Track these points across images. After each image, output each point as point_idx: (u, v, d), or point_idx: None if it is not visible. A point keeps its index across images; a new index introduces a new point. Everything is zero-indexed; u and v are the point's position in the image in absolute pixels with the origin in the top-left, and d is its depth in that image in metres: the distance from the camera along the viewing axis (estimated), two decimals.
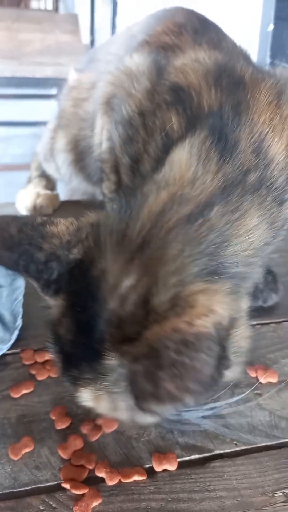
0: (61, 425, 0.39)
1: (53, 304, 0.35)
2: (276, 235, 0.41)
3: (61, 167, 0.74)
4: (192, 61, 0.48)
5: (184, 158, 0.39)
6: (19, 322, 0.47)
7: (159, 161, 0.41)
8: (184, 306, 0.29)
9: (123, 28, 0.72)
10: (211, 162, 0.38)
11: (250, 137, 0.40)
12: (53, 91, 2.75)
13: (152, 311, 0.30)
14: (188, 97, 0.44)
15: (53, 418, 0.39)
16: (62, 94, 0.75)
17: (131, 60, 0.54)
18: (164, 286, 0.31)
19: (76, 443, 0.37)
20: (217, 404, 0.40)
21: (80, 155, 0.68)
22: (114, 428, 0.38)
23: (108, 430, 0.39)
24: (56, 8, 2.91)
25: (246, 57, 0.56)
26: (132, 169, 0.48)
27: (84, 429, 0.38)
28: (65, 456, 0.36)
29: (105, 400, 0.32)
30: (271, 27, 0.78)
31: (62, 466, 0.36)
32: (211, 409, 0.40)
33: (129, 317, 0.31)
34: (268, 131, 0.41)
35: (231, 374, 0.34)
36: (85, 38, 2.60)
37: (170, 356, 0.27)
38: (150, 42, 0.56)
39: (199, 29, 0.56)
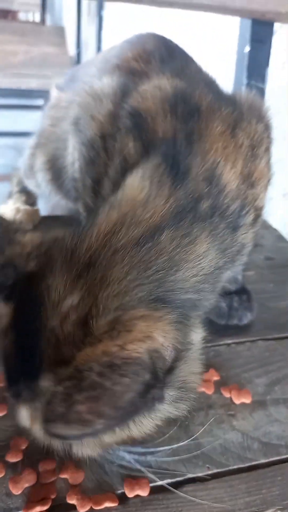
0: (12, 458, 0.37)
1: (4, 312, 0.35)
2: (232, 260, 0.42)
3: (41, 184, 0.74)
4: (153, 88, 0.49)
5: (136, 182, 0.40)
6: None
7: (117, 185, 0.42)
8: (121, 330, 0.29)
9: (107, 46, 0.73)
10: (164, 187, 0.39)
11: (202, 165, 0.41)
12: (38, 102, 2.75)
13: (90, 334, 0.30)
14: (144, 123, 0.45)
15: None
16: (43, 112, 0.76)
17: (99, 82, 0.55)
18: (105, 308, 0.31)
19: (28, 479, 0.36)
20: (154, 449, 0.39)
21: (58, 173, 0.68)
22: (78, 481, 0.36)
23: (66, 477, 0.36)
24: (43, 21, 2.93)
25: (209, 83, 0.56)
26: (93, 190, 0.49)
27: (41, 468, 0.37)
28: (14, 492, 0.35)
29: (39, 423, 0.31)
30: (247, 48, 0.80)
31: (30, 490, 0.35)
32: (147, 453, 0.38)
33: (66, 338, 0.30)
34: (221, 159, 0.42)
35: (171, 409, 0.33)
36: (71, 50, 2.62)
37: (91, 378, 0.26)
38: (120, 66, 0.58)
39: (165, 57, 0.58)
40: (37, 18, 3.53)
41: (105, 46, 2.29)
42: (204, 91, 0.48)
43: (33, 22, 3.55)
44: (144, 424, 0.33)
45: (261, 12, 0.74)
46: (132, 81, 0.52)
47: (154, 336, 0.29)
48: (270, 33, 0.80)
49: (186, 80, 0.50)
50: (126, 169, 0.43)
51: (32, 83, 2.07)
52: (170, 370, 0.32)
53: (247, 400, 0.46)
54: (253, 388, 0.47)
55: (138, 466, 0.36)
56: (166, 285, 0.34)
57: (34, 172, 0.74)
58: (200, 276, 0.37)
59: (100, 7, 2.26)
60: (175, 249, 0.35)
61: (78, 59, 2.64)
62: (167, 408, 0.33)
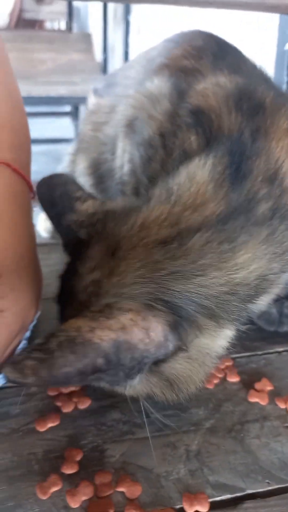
0: (68, 470, 0.37)
1: (65, 260, 0.42)
2: None
3: None
4: (213, 85, 0.48)
5: (201, 181, 0.39)
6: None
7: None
8: (102, 316, 0.31)
9: (139, 51, 0.72)
10: (223, 189, 0.38)
11: (265, 165, 0.40)
12: (66, 108, 2.79)
13: (89, 308, 0.33)
14: (208, 120, 0.44)
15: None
16: (82, 119, 0.76)
17: (151, 83, 0.54)
18: (107, 293, 0.34)
19: (86, 492, 0.35)
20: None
21: (100, 178, 0.68)
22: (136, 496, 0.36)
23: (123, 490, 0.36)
24: (70, 28, 2.97)
25: (266, 80, 0.56)
26: (147, 188, 0.48)
27: (97, 481, 0.36)
28: (72, 505, 0.34)
29: None
30: (287, 46, 0.79)
31: (89, 503, 0.35)
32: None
33: (81, 303, 0.35)
34: (286, 158, 0.40)
35: (157, 391, 0.37)
36: (98, 56, 2.65)
37: (51, 344, 0.29)
38: (169, 65, 0.57)
39: (218, 53, 0.56)
40: (63, 26, 3.59)
41: (132, 51, 2.30)
42: (265, 87, 0.47)
43: (60, 30, 3.62)
44: (125, 388, 0.37)
45: None
46: (184, 80, 0.51)
47: (132, 330, 0.31)
48: None
49: (245, 77, 0.49)
50: (185, 161, 0.42)
51: (61, 90, 2.10)
52: (157, 362, 0.34)
53: None
54: None
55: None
56: (178, 287, 0.34)
57: (75, 177, 0.74)
58: (229, 286, 0.35)
59: (126, 12, 2.28)
60: (205, 254, 0.35)
61: (104, 64, 2.67)
62: (147, 388, 0.37)
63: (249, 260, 0.37)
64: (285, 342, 0.53)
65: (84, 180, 0.71)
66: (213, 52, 0.56)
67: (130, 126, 0.54)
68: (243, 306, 0.38)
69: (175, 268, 0.34)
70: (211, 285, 0.35)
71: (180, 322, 0.34)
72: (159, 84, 0.53)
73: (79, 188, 0.44)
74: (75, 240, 0.40)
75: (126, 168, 0.56)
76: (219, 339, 0.38)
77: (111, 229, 0.38)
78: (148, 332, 0.32)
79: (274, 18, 0.80)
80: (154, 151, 0.48)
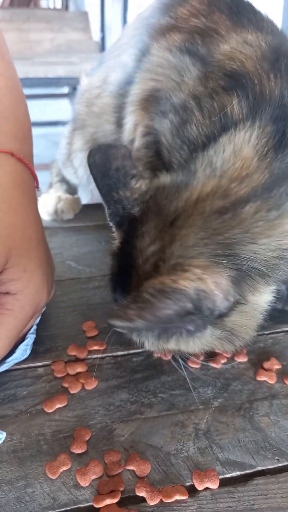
0: (77, 450, 0.37)
1: (116, 236, 0.43)
2: None
3: (78, 169, 0.73)
4: (241, 45, 0.46)
5: (246, 154, 0.39)
6: (30, 337, 0.46)
7: (215, 141, 0.42)
8: (179, 270, 0.35)
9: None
10: (266, 160, 0.38)
11: None
12: (64, 90, 2.74)
13: (157, 271, 0.36)
14: (249, 83, 0.42)
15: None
16: (75, 100, 0.74)
17: (167, 54, 0.51)
18: (172, 256, 0.36)
19: (95, 471, 0.35)
20: None
21: None
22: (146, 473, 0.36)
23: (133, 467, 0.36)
24: (66, 6, 2.90)
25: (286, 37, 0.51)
26: (182, 150, 0.46)
27: (107, 460, 0.37)
28: (82, 484, 0.35)
29: None
30: None
31: (99, 482, 0.35)
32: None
33: (144, 274, 0.38)
34: None
35: (216, 343, 0.40)
36: (96, 35, 2.59)
37: (145, 296, 0.33)
38: (179, 26, 0.52)
39: (232, 6, 0.51)
40: (59, 4, 3.50)
41: None
42: None
43: (56, 9, 3.53)
44: (190, 344, 0.39)
45: None
46: (202, 43, 0.48)
47: (206, 280, 0.34)
48: None
49: (272, 34, 0.47)
50: (227, 126, 0.41)
51: (59, 71, 2.05)
52: (221, 315, 0.37)
53: None
54: None
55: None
56: (236, 250, 0.36)
57: (72, 158, 0.72)
58: (278, 251, 0.37)
59: None
60: (255, 222, 0.37)
61: (102, 43, 2.61)
62: (211, 340, 0.40)
63: None
64: None
65: (82, 157, 0.69)
66: (227, 5, 0.51)
67: (151, 98, 0.52)
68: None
69: (231, 236, 0.36)
70: (262, 251, 0.37)
71: (240, 278, 0.37)
72: (177, 55, 0.50)
73: (135, 165, 0.43)
74: (129, 217, 0.41)
75: (140, 142, 0.54)
76: (266, 295, 0.41)
77: (164, 205, 0.39)
78: (217, 284, 0.35)
79: None
80: (190, 113, 0.46)
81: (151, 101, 0.52)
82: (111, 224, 0.43)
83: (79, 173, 0.74)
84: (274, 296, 0.52)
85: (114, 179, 0.42)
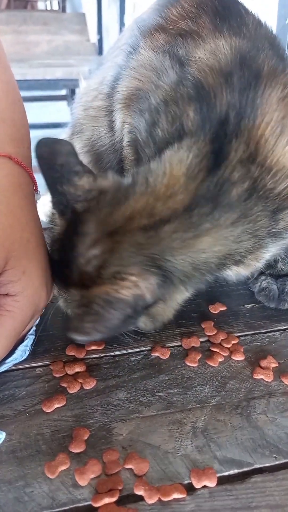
0: (76, 449, 0.37)
1: (58, 223, 0.45)
2: (275, 236, 0.44)
3: None
4: (209, 54, 0.47)
5: (176, 173, 0.41)
6: (29, 338, 0.46)
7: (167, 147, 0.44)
8: (119, 279, 0.40)
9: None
10: (196, 181, 0.41)
11: (245, 146, 0.41)
12: (62, 92, 2.75)
13: (100, 276, 0.40)
14: (206, 97, 0.43)
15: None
16: (74, 104, 0.75)
17: (151, 54, 0.52)
18: (113, 264, 0.40)
19: (94, 470, 0.36)
20: None
21: (98, 156, 0.67)
22: (144, 471, 0.36)
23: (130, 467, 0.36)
24: (63, 8, 2.91)
25: (272, 40, 0.51)
26: (151, 149, 0.49)
27: (105, 459, 0.37)
28: (81, 483, 0.35)
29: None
30: None
31: (97, 481, 0.35)
32: None
33: (87, 273, 0.41)
34: (270, 135, 0.41)
35: (143, 325, 0.46)
36: (93, 37, 2.59)
37: (96, 308, 0.39)
38: (165, 27, 0.54)
39: (219, 9, 0.52)
40: (56, 5, 3.50)
41: None
42: (268, 53, 0.45)
43: (53, 10, 3.53)
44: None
45: None
46: (183, 45, 0.49)
47: (140, 286, 0.40)
48: None
49: (247, 39, 0.47)
50: (179, 136, 0.43)
51: (57, 73, 2.06)
52: (148, 306, 0.43)
53: None
54: None
55: None
56: (160, 263, 0.41)
57: None
58: (194, 265, 0.42)
59: None
60: (173, 241, 0.41)
61: (100, 45, 2.61)
62: (141, 324, 0.46)
63: (212, 245, 0.42)
64: None
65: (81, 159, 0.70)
66: (214, 8, 0.52)
67: (133, 96, 0.53)
68: (205, 277, 0.45)
69: (154, 251, 0.41)
70: (180, 264, 0.42)
71: (164, 283, 0.42)
72: (159, 57, 0.51)
73: (79, 162, 0.44)
74: (71, 209, 0.43)
75: (126, 139, 0.55)
76: (182, 294, 0.47)
77: (106, 213, 0.42)
78: (148, 288, 0.40)
79: None
80: (159, 116, 0.47)
81: (134, 99, 0.53)
82: (54, 211, 0.45)
83: None
84: (263, 295, 0.55)
85: (59, 173, 0.43)
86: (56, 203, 0.44)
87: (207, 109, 0.43)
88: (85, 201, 0.43)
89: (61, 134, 0.78)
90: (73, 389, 0.43)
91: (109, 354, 0.48)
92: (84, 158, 0.70)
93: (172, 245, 0.41)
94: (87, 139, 0.68)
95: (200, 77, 0.45)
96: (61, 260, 0.43)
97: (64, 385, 0.43)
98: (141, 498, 0.34)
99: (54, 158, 0.43)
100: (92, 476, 0.35)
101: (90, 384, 0.43)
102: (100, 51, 2.51)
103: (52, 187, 0.44)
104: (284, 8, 0.78)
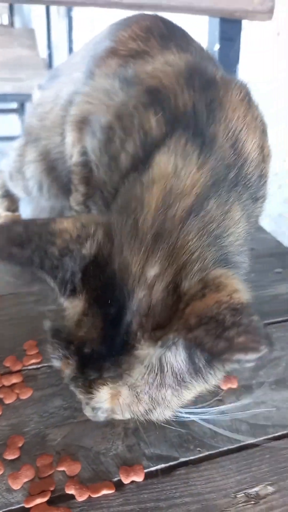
0: (10, 456, 0.39)
1: (69, 306, 0.36)
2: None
3: (30, 180, 0.74)
4: (162, 65, 0.50)
5: (164, 157, 0.40)
6: None
7: (138, 158, 0.42)
8: (215, 285, 0.31)
9: (80, 43, 0.73)
10: (191, 156, 0.39)
11: (226, 133, 0.42)
12: (12, 105, 2.72)
13: (184, 294, 0.32)
14: (164, 98, 0.45)
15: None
16: (27, 113, 0.76)
17: (104, 79, 0.55)
18: (190, 272, 0.33)
19: (27, 474, 0.37)
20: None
21: (52, 163, 0.68)
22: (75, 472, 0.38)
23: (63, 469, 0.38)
24: (11, 23, 2.90)
25: (214, 61, 0.57)
26: (109, 166, 0.48)
27: (39, 463, 0.38)
28: (14, 487, 0.36)
29: (125, 395, 0.34)
30: (217, 46, 0.82)
31: (30, 484, 0.37)
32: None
33: (159, 303, 0.33)
34: (243, 128, 0.43)
35: None
36: (43, 52, 2.60)
37: (229, 319, 0.28)
38: (117, 50, 0.57)
39: (166, 33, 0.57)
40: (5, 20, 3.48)
41: (76, 47, 2.28)
42: (215, 66, 0.49)
43: (2, 25, 3.50)
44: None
45: (229, 11, 0.76)
46: (133, 64, 0.52)
47: (240, 289, 0.32)
48: (238, 30, 0.82)
49: (195, 56, 0.51)
50: (147, 143, 0.43)
51: (7, 87, 2.05)
52: None
53: (234, 385, 0.48)
54: (239, 374, 0.49)
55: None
56: (224, 249, 0.37)
57: (23, 170, 0.73)
58: (241, 239, 0.39)
59: (69, 8, 2.26)
60: (221, 216, 0.37)
61: (49, 60, 2.63)
62: None
63: (239, 218, 0.40)
64: None
65: (35, 167, 0.71)
66: (161, 32, 0.57)
67: (85, 120, 0.55)
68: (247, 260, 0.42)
69: (216, 232, 0.37)
70: (233, 243, 0.38)
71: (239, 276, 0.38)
72: (110, 81, 0.54)
73: (43, 223, 0.36)
74: (78, 266, 0.34)
75: (75, 159, 0.57)
76: None
77: (131, 227, 0.36)
78: (242, 289, 0.33)
79: (203, 20, 0.84)
80: (113, 132, 0.48)
81: (85, 123, 0.56)
82: (62, 299, 0.36)
83: (30, 183, 0.74)
84: None
85: (35, 237, 0.34)
86: (62, 283, 0.35)
87: (169, 108, 0.44)
88: (90, 237, 0.35)
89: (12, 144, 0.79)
90: (10, 400, 0.44)
91: (47, 364, 0.49)
92: (39, 166, 0.71)
93: (223, 222, 0.38)
94: (43, 146, 0.70)
95: (153, 83, 0.47)
96: (105, 329, 0.33)
97: (0, 396, 0.44)
98: (72, 497, 0.36)
99: (12, 230, 0.34)
100: (26, 480, 0.37)
101: (26, 394, 0.45)
102: (50, 66, 2.53)
103: (43, 260, 0.34)
104: (213, 35, 0.83)
